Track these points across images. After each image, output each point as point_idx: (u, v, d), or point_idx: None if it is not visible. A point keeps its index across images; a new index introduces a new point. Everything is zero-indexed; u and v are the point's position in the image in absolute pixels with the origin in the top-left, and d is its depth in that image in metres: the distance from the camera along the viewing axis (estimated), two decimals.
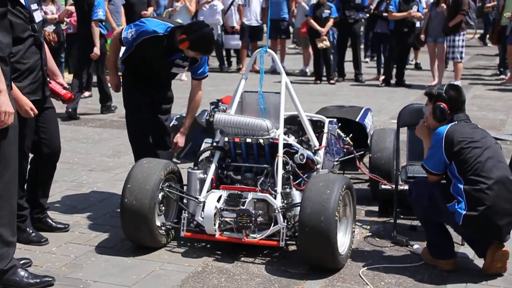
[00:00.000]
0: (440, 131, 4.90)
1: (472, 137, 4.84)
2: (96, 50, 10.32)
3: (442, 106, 4.98)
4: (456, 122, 4.92)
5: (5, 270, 4.41)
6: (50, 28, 11.66)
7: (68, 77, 13.69)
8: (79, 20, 10.86)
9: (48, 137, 5.46)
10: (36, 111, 4.92)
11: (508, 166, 5.01)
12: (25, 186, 5.45)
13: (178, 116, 7.25)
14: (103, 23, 10.78)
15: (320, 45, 14.07)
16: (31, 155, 5.43)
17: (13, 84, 4.66)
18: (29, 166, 5.45)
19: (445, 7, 13.34)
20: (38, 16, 5.28)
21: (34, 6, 5.24)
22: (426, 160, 5.02)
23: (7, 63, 4.38)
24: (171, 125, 6.38)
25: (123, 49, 6.00)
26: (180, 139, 6.08)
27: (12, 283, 4.46)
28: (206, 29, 5.60)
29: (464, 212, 4.69)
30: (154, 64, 5.85)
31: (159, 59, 5.78)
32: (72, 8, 11.75)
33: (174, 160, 6.81)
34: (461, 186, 4.74)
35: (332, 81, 14.34)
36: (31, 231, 5.42)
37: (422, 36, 13.95)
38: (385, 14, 14.14)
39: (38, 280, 4.58)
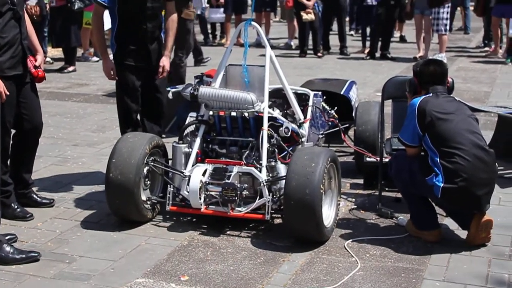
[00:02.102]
0: (413, 102, 4.96)
1: (444, 108, 4.88)
2: None
3: (412, 79, 5.15)
4: (431, 94, 4.96)
5: None
6: (32, 2, 11.54)
7: (51, 51, 13.65)
8: None
9: (29, 112, 5.40)
10: (8, 93, 4.85)
11: (492, 136, 5.04)
12: (8, 162, 5.41)
13: (172, 89, 7.18)
14: None
15: (305, 17, 13.99)
16: (13, 131, 5.39)
17: None
18: (11, 142, 5.40)
19: None
20: None
21: None
22: (401, 132, 5.07)
23: None
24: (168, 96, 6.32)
25: (107, 25, 5.94)
26: (166, 62, 5.95)
27: None
28: None
29: (442, 185, 4.72)
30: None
31: None
32: None
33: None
34: (437, 159, 4.77)
35: (319, 54, 14.30)
36: (16, 207, 5.41)
37: (409, 8, 13.93)
38: None
39: (24, 256, 4.58)
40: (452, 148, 4.75)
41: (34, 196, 5.70)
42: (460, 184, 4.69)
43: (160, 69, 5.95)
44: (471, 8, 17.16)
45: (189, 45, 10.02)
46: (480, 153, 4.79)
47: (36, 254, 4.64)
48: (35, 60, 5.37)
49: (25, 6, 5.73)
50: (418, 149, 5.00)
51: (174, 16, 6.07)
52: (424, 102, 4.90)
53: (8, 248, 4.52)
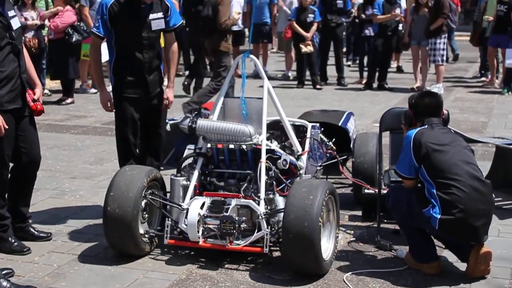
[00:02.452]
0: (408, 134, 4.99)
1: (440, 140, 4.90)
2: None
3: (407, 112, 5.20)
4: (426, 126, 4.98)
5: None
6: (30, 34, 11.62)
7: (49, 83, 13.68)
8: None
9: (28, 146, 5.42)
10: (7, 127, 4.86)
11: (490, 167, 5.04)
12: (6, 196, 5.40)
13: (171, 121, 7.20)
14: None
15: (304, 49, 14.02)
16: (11, 164, 5.39)
17: None
18: (9, 175, 5.39)
19: (427, 10, 13.42)
20: (16, 23, 5.24)
21: (11, 13, 5.21)
22: (398, 164, 5.09)
23: None
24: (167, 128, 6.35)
25: (105, 56, 5.97)
26: (170, 94, 6.03)
27: None
28: None
29: (439, 216, 4.72)
30: (134, 28, 5.76)
31: (134, 20, 5.74)
32: (61, 9, 11.83)
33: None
34: (434, 191, 4.77)
35: (318, 86, 14.30)
36: (13, 241, 5.38)
37: (406, 39, 14.03)
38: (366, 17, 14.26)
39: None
40: (448, 179, 4.75)
41: (32, 229, 5.68)
42: (457, 215, 4.68)
43: (165, 101, 5.98)
44: (467, 38, 17.23)
45: (225, 75, 10.06)
46: (477, 184, 4.79)
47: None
48: (34, 94, 5.39)
49: (23, 39, 5.77)
50: (414, 181, 5.00)
51: (175, 47, 6.11)
52: (419, 134, 4.91)
53: (5, 283, 4.48)
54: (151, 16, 5.80)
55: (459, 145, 4.97)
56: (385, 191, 5.67)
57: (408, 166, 4.95)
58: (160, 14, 5.85)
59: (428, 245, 5.04)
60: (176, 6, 14.50)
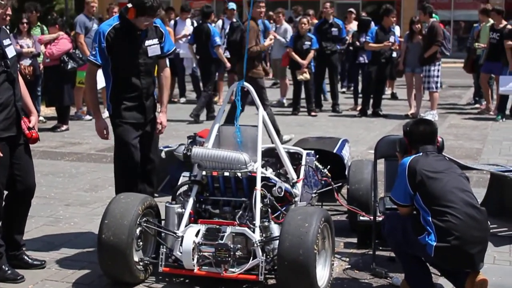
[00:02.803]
0: (403, 162, 5.00)
1: (434, 167, 4.91)
2: (227, 64, 13.78)
3: (402, 139, 5.22)
4: (421, 154, 5.00)
5: None
6: (26, 62, 11.67)
7: (44, 110, 13.70)
8: (198, 47, 13.78)
9: (22, 173, 5.42)
10: (2, 155, 4.86)
11: (485, 195, 5.04)
12: (0, 223, 5.38)
13: (166, 148, 7.20)
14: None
15: (300, 77, 14.05)
16: (5, 192, 5.38)
17: None
18: (3, 203, 5.38)
19: (421, 38, 13.51)
20: (11, 52, 5.27)
21: (6, 42, 5.25)
22: (393, 192, 5.10)
23: None
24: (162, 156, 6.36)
25: (100, 83, 5.98)
26: (163, 118, 6.09)
27: None
28: None
29: (434, 244, 4.71)
30: (131, 55, 5.80)
31: (131, 46, 5.79)
32: (61, 34, 11.92)
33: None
34: (429, 218, 4.78)
35: (314, 113, 14.33)
36: (6, 269, 5.36)
37: (401, 66, 14.12)
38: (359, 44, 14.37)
39: None
40: (443, 206, 4.76)
41: (26, 257, 5.65)
42: (453, 243, 4.68)
43: (159, 126, 6.01)
44: (460, 64, 17.33)
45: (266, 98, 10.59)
46: (472, 211, 4.79)
47: None
48: (29, 122, 5.40)
49: (18, 66, 5.78)
50: (410, 208, 5.00)
51: (167, 72, 6.19)
52: (414, 162, 4.93)
53: None
54: (147, 42, 5.86)
55: (454, 173, 4.99)
56: (380, 219, 5.67)
57: (403, 194, 4.96)
58: (155, 41, 5.92)
59: (424, 273, 5.03)
60: (171, 33, 14.75)
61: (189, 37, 15.60)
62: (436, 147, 5.16)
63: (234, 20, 14.90)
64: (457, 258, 4.76)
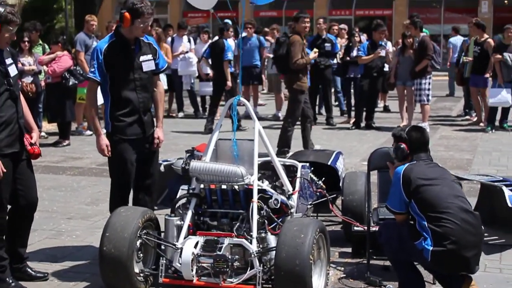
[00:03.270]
0: (398, 170, 5.01)
1: (428, 175, 4.93)
2: (228, 83, 13.45)
3: (402, 146, 5.17)
4: (415, 162, 5.01)
5: None
6: (28, 79, 11.69)
7: (46, 126, 13.70)
8: (213, 61, 14.03)
9: (25, 188, 5.43)
10: (5, 170, 4.86)
11: (475, 204, 5.06)
12: (4, 237, 5.38)
13: (165, 162, 7.21)
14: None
15: None
16: (9, 206, 5.38)
17: None
18: (6, 217, 5.38)
19: (412, 52, 13.57)
20: (13, 70, 5.31)
21: (9, 61, 5.28)
22: (389, 200, 5.11)
23: None
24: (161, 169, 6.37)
25: (100, 99, 6.00)
26: (160, 133, 6.04)
27: None
28: None
29: (431, 248, 4.73)
30: (127, 70, 5.80)
31: (127, 61, 5.80)
32: (60, 54, 11.93)
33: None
34: (425, 223, 4.80)
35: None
36: (10, 281, 5.35)
37: (392, 79, 14.17)
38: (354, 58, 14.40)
39: None
40: (439, 212, 4.77)
41: (29, 270, 5.65)
42: (449, 247, 4.69)
43: (156, 140, 6.00)
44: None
45: (297, 114, 10.79)
46: (467, 216, 4.81)
47: None
48: (31, 138, 5.41)
49: (20, 84, 5.80)
50: (406, 215, 5.02)
51: (161, 88, 6.21)
52: (408, 170, 4.95)
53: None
54: (142, 58, 5.86)
55: (447, 179, 5.01)
56: (374, 229, 5.68)
57: (398, 202, 4.98)
58: (150, 56, 5.93)
59: (418, 281, 5.04)
60: (168, 50, 14.82)
61: (186, 54, 15.72)
62: (429, 154, 5.18)
63: (280, 35, 15.04)
64: (453, 262, 4.77)
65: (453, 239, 4.70)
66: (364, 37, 16.45)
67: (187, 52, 15.82)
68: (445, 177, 5.02)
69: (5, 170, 4.84)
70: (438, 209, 4.79)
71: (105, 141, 5.86)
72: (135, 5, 5.69)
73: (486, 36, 14.02)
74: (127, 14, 5.68)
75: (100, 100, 6.09)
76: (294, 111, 10.70)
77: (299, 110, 10.69)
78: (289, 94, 10.94)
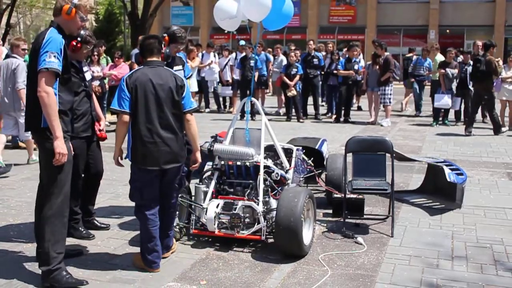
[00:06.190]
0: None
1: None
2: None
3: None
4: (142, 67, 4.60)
5: (52, 270, 4.25)
6: (96, 83, 11.68)
7: (109, 117, 13.68)
8: (242, 72, 14.25)
9: (94, 162, 5.45)
10: (73, 152, 4.49)
11: (423, 179, 4.97)
12: (79, 198, 5.41)
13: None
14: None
15: (289, 94, 14.12)
16: (83, 175, 5.40)
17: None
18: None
19: (378, 67, 13.50)
20: (88, 76, 5.32)
21: (85, 68, 5.29)
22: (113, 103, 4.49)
23: (67, 115, 4.35)
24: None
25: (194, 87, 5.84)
26: (197, 157, 5.45)
27: (55, 281, 4.27)
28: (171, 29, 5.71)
29: None
30: None
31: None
32: (120, 65, 12.03)
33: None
34: None
35: (301, 120, 14.33)
36: (82, 230, 5.40)
37: (364, 86, 14.11)
38: (335, 71, 14.32)
39: (74, 280, 4.33)
40: None
41: (96, 222, 5.68)
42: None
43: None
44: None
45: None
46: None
47: (83, 282, 4.35)
48: (100, 125, 5.43)
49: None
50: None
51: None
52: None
53: (64, 273, 4.29)
54: (175, 68, 5.78)
55: None
56: (349, 196, 5.67)
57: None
58: (180, 67, 5.89)
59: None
60: (197, 61, 14.71)
61: (211, 65, 15.76)
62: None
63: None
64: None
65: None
66: (342, 53, 16.33)
67: (211, 63, 15.85)
68: None
69: (73, 152, 4.57)
70: None
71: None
72: (175, 34, 5.66)
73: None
74: (167, 37, 5.64)
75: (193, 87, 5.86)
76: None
77: None
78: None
